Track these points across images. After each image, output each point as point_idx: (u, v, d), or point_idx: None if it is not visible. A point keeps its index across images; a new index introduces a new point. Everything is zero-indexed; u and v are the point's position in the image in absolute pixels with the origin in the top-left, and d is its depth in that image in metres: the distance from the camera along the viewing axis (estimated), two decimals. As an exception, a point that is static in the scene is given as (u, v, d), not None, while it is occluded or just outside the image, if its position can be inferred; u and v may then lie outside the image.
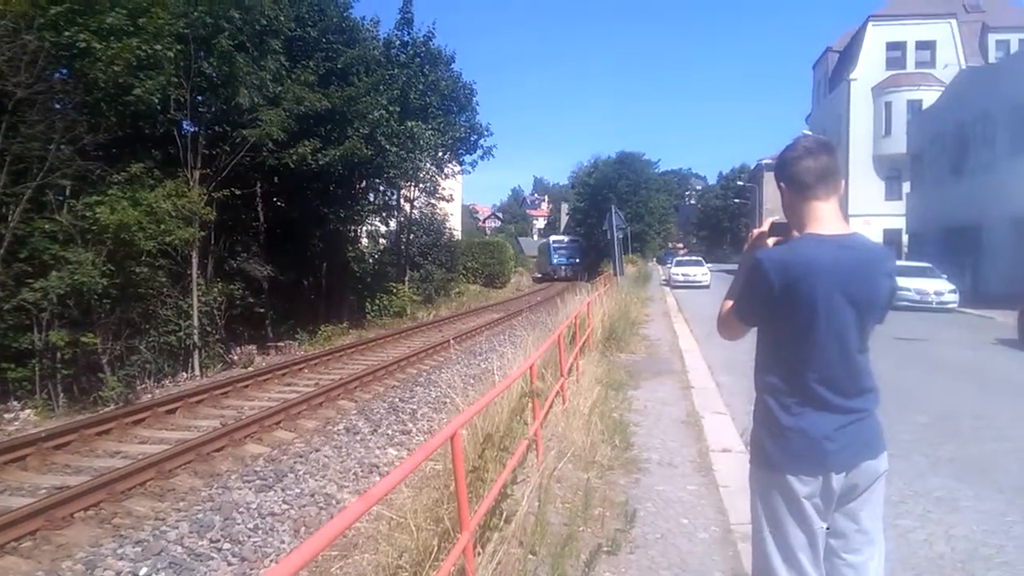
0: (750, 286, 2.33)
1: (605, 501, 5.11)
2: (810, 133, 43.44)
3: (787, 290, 2.20)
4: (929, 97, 38.97)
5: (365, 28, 25.62)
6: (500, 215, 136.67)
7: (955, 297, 23.08)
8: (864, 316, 2.25)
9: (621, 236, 32.60)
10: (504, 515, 4.35)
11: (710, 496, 5.38)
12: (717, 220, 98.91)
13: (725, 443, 6.82)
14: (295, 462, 8.54)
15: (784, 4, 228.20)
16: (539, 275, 65.55)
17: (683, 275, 37.41)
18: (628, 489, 5.48)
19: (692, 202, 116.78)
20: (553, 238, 68.08)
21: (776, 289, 2.21)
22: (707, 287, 35.56)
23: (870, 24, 44.30)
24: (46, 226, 13.41)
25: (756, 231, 2.58)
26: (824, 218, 2.31)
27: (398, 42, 29.41)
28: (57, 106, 14.22)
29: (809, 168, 2.32)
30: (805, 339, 2.22)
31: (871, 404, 2.29)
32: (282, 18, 19.20)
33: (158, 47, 14.49)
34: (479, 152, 34.33)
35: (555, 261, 61.39)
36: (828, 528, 2.28)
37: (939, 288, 22.97)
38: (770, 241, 2.50)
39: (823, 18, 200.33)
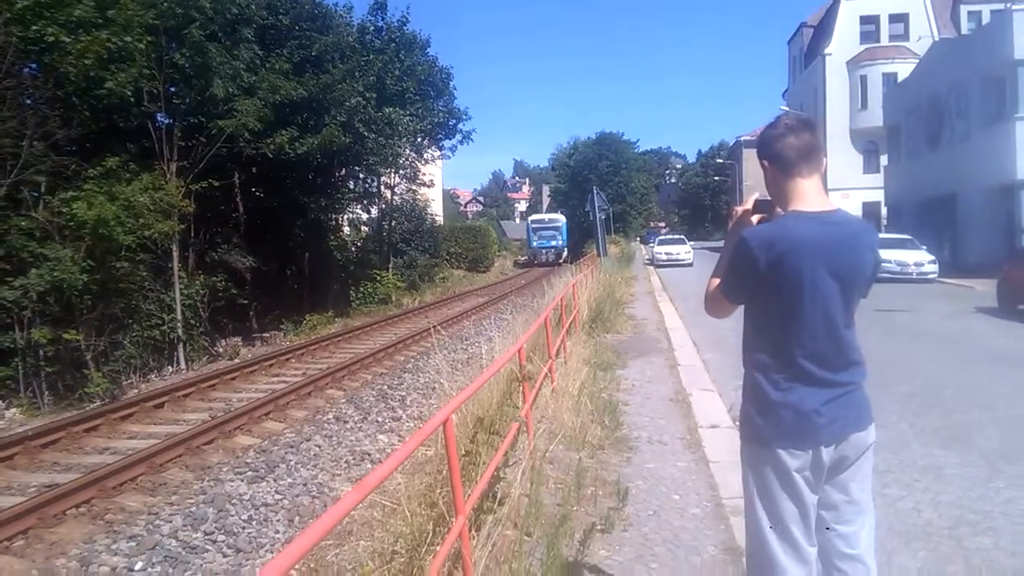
0: (736, 264, 2.36)
1: (597, 480, 5.17)
2: (788, 109, 43.66)
3: (772, 267, 2.22)
4: (904, 70, 39.15)
5: (338, 14, 25.40)
6: (481, 199, 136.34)
7: (935, 268, 23.36)
8: (849, 290, 2.28)
9: (603, 217, 32.70)
10: (498, 498, 4.40)
11: (700, 472, 5.45)
12: (698, 198, 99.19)
13: (713, 419, 6.90)
14: (286, 452, 8.55)
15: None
16: (522, 260, 61.84)
17: (666, 254, 37.57)
18: (619, 468, 5.54)
19: (672, 181, 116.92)
20: (533, 217, 61.99)
21: (762, 266, 2.23)
22: (690, 265, 35.75)
23: (843, -1, 44.39)
24: (23, 223, 13.23)
25: (740, 208, 2.60)
26: (807, 195, 2.34)
27: (372, 28, 29.21)
28: (28, 102, 13.98)
29: (791, 145, 2.35)
30: (791, 315, 2.25)
31: (858, 377, 2.33)
32: (254, 6, 18.97)
33: (128, 39, 14.27)
34: (458, 137, 34.35)
35: (535, 244, 56.20)
36: (819, 499, 2.32)
37: (919, 259, 23.24)
38: (754, 219, 2.53)
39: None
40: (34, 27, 13.23)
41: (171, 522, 6.42)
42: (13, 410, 11.69)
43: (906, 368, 9.25)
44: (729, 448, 5.75)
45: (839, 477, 2.34)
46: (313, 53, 22.44)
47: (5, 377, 12.63)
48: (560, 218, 58.70)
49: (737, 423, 6.26)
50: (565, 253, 53.74)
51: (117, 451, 8.57)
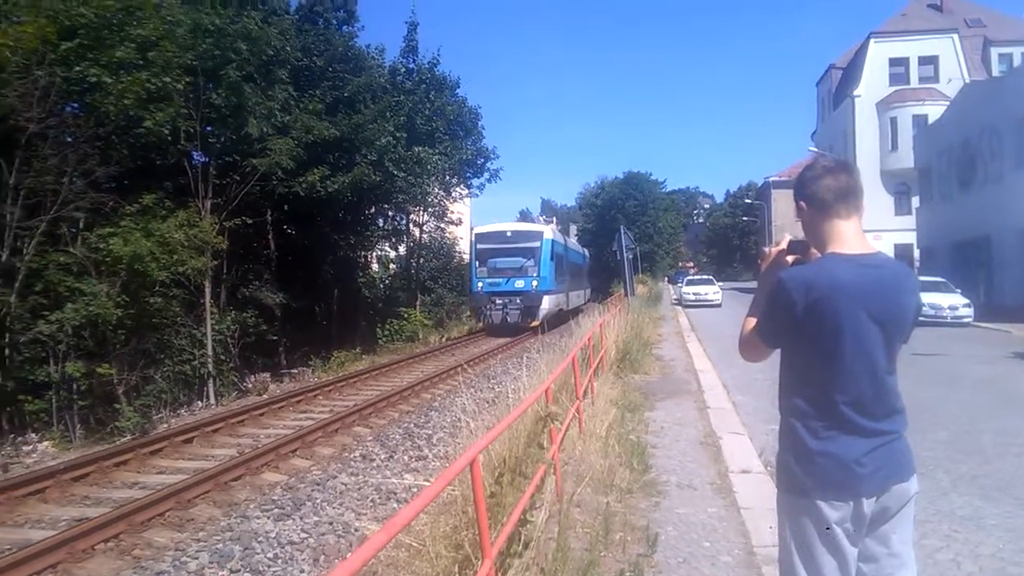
0: (773, 306, 2.32)
1: (626, 525, 5.08)
2: (817, 150, 43.56)
3: (811, 310, 2.19)
4: (934, 112, 38.97)
5: (371, 56, 25.99)
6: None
7: (970, 311, 22.94)
8: (891, 335, 2.24)
9: (631, 256, 32.78)
10: (524, 541, 4.33)
11: (731, 518, 5.34)
12: (726, 238, 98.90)
13: (744, 464, 6.77)
14: (312, 490, 8.52)
15: (785, 23, 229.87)
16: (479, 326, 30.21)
17: (694, 294, 37.35)
18: (648, 513, 5.44)
19: (700, 220, 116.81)
20: (480, 231, 30.59)
21: (800, 309, 2.20)
22: (719, 305, 35.47)
23: (872, 41, 44.45)
24: (60, 259, 13.54)
25: (774, 249, 2.57)
26: (846, 237, 2.31)
27: (403, 69, 29.78)
28: (69, 140, 14.40)
29: (829, 187, 2.33)
30: (832, 360, 2.21)
31: (900, 426, 2.28)
32: (288, 48, 19.47)
33: (167, 79, 14.70)
34: (486, 175, 34.74)
35: (481, 287, 28.30)
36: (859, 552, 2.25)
37: (953, 303, 22.85)
38: (788, 259, 2.50)
39: (824, 36, 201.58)
40: (77, 68, 13.68)
41: (198, 559, 6.40)
42: (46, 443, 11.83)
43: (942, 414, 9.03)
44: (761, 494, 5.64)
45: (880, 529, 2.27)
46: (345, 94, 22.93)
47: (39, 410, 12.80)
48: (540, 229, 31.05)
49: (769, 468, 6.20)
50: (555, 303, 29.76)
51: (146, 486, 8.61)
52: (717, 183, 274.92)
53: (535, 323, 26.91)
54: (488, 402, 10.61)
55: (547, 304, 27.99)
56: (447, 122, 30.17)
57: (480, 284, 27.93)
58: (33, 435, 12.10)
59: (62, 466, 8.93)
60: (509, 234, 29.26)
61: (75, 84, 13.92)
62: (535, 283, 27.58)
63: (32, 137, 13.14)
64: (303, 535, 7.12)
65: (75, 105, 14.87)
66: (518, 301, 27.15)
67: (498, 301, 27.27)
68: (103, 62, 13.94)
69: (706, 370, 13.22)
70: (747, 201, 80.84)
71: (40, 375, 12.96)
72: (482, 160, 33.94)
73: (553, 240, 29.50)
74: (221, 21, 16.61)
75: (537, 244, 28.31)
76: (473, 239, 29.88)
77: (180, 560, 6.40)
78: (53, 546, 6.24)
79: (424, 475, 9.07)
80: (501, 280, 27.63)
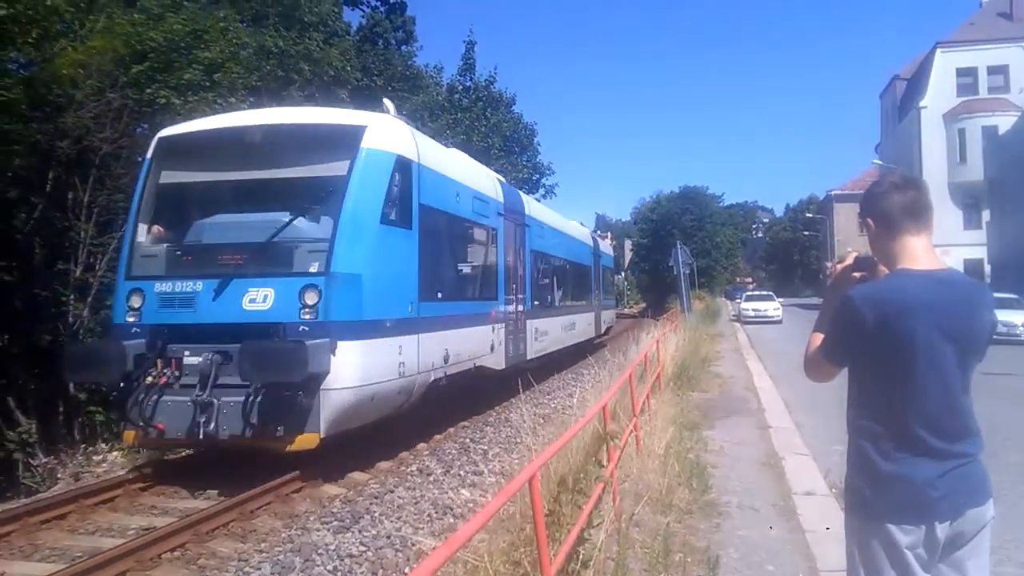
0: (840, 325, 2.27)
1: (685, 546, 5.00)
2: (881, 163, 42.50)
3: (882, 328, 2.13)
4: (1005, 122, 37.73)
5: (429, 75, 26.44)
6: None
7: (1045, 329, 22.01)
8: (966, 354, 2.17)
9: (687, 271, 32.28)
10: (582, 560, 4.30)
11: (795, 541, 5.20)
12: (786, 253, 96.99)
13: (809, 486, 6.60)
14: (371, 503, 8.60)
15: (847, 34, 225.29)
16: None
17: (754, 310, 36.71)
18: (709, 534, 5.35)
19: (759, 235, 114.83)
20: (165, 135, 10.01)
21: (869, 327, 2.15)
22: (779, 322, 34.75)
23: (938, 51, 43.30)
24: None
25: (840, 266, 2.53)
26: (915, 253, 2.25)
27: (460, 87, 30.21)
28: (140, 159, 15.01)
29: (897, 203, 2.28)
30: (903, 380, 2.15)
31: (976, 448, 2.20)
32: (349, 69, 19.95)
33: (232, 100, 15.19)
34: (541, 191, 34.80)
35: (127, 320, 8.51)
36: None
37: (1027, 320, 21.96)
38: (855, 276, 2.45)
39: (888, 46, 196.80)
40: (148, 90, 14.26)
41: (260, 569, 6.51)
42: (115, 453, 12.23)
43: (1016, 436, 8.68)
44: (826, 517, 5.48)
45: (954, 555, 2.19)
46: (404, 113, 23.30)
47: (109, 421, 13.26)
48: (360, 122, 9.15)
49: (834, 490, 6.02)
50: (472, 355, 12.06)
51: (210, 497, 8.82)
52: (776, 197, 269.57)
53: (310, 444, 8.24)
54: (544, 417, 10.60)
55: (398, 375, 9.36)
56: (503, 139, 30.44)
57: (138, 304, 8.64)
58: (103, 445, 12.51)
59: (131, 476, 9.21)
60: (255, 139, 9.08)
61: (146, 105, 14.50)
62: (332, 302, 8.08)
63: (105, 157, 13.73)
64: (362, 548, 7.18)
65: (145, 126, 15.45)
66: (246, 364, 7.60)
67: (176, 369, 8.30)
68: (172, 84, 14.50)
69: (767, 388, 12.96)
70: (808, 215, 79.19)
71: (110, 387, 13.43)
72: (537, 176, 34.08)
73: (425, 169, 10.28)
74: (284, 43, 17.13)
75: (345, 167, 8.61)
76: (149, 161, 9.84)
77: (243, 570, 6.52)
78: (123, 554, 6.43)
79: (480, 491, 9.08)
80: (197, 290, 8.34)
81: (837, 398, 2.43)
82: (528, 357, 15.47)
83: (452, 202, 11.67)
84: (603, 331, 27.10)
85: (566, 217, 22.78)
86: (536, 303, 16.37)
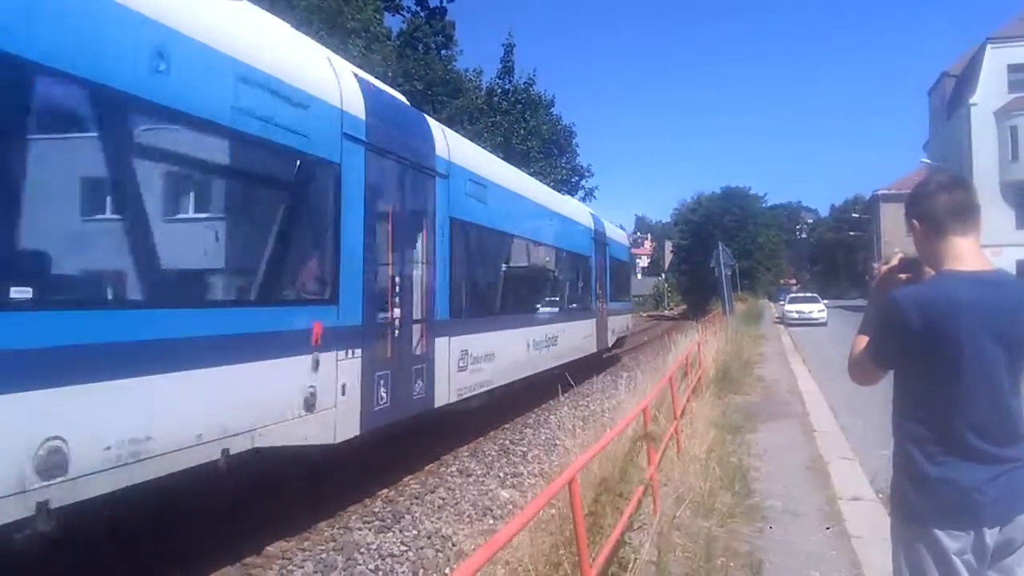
0: (886, 327, 2.24)
1: (727, 551, 4.94)
2: (929, 161, 41.50)
3: (928, 330, 2.10)
4: (1059, 118, 36.55)
5: (468, 79, 26.58)
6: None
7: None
8: (1015, 356, 2.12)
9: (729, 273, 31.88)
10: (622, 563, 4.28)
11: (841, 547, 5.12)
12: (831, 254, 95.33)
13: (855, 491, 6.48)
14: (411, 503, 8.68)
15: (894, 30, 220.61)
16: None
17: (797, 312, 36.13)
18: (752, 539, 5.28)
19: (803, 236, 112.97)
20: None
21: (916, 329, 2.11)
22: (824, 324, 34.14)
23: (988, 47, 42.18)
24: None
25: (884, 267, 2.49)
26: (962, 254, 2.21)
27: (500, 90, 30.30)
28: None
29: (944, 203, 2.24)
30: (951, 383, 2.11)
31: (1025, 453, 2.15)
32: (390, 74, 20.17)
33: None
34: (581, 193, 34.68)
35: None
36: None
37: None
38: (901, 277, 2.41)
39: (936, 43, 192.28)
40: None
41: (303, 568, 6.63)
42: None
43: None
44: (872, 522, 5.38)
45: (1004, 562, 2.14)
46: (444, 117, 23.51)
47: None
48: None
49: (881, 496, 5.90)
50: None
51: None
52: (821, 197, 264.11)
53: None
54: (583, 419, 10.57)
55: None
56: (542, 141, 30.45)
57: None
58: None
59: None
60: None
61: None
62: None
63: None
64: (403, 547, 7.26)
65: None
66: None
67: None
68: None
69: (811, 391, 12.75)
70: (854, 215, 77.72)
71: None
72: (577, 178, 34.01)
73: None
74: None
75: None
76: None
77: (287, 568, 6.65)
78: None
79: (520, 492, 9.10)
80: None
81: (883, 401, 2.39)
82: (445, 401, 9.78)
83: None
84: (610, 344, 20.63)
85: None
86: (467, 306, 10.62)
